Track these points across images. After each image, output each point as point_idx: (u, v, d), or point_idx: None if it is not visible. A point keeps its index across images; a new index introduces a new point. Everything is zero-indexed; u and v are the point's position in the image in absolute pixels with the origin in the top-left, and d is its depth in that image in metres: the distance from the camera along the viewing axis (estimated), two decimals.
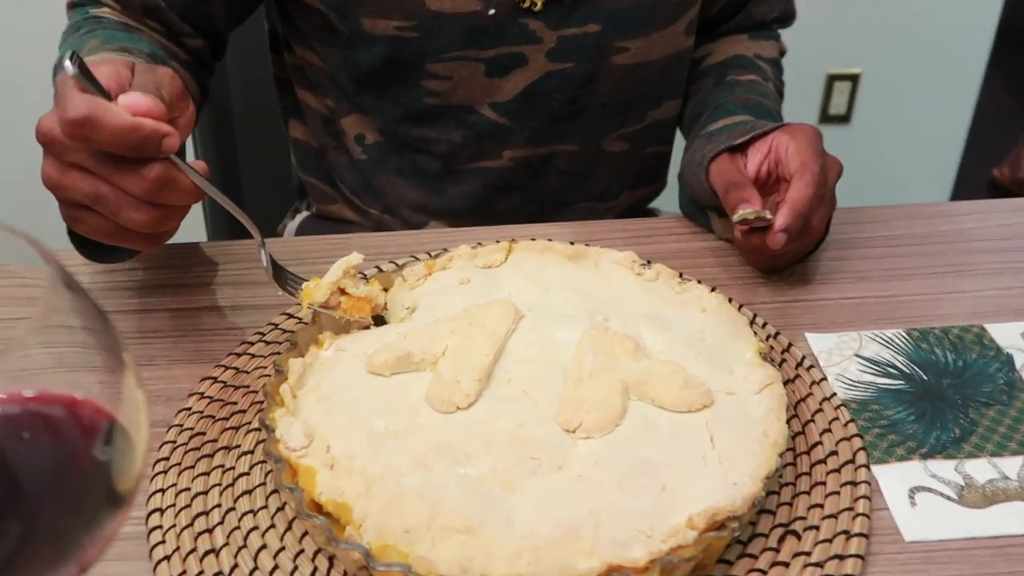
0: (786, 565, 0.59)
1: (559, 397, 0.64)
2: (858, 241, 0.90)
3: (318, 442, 0.61)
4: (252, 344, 0.78)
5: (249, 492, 0.65)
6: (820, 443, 0.68)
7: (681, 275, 0.80)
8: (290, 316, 0.81)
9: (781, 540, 0.61)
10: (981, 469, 0.67)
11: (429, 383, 0.65)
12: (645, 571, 0.54)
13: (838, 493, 0.64)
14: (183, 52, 0.94)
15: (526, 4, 0.91)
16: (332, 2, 0.92)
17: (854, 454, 0.67)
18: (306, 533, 0.61)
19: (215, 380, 0.74)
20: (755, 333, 0.72)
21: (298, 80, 1.07)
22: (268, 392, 0.66)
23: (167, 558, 0.60)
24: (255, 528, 0.62)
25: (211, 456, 0.67)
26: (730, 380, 0.67)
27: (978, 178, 2.65)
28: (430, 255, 0.86)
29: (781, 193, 0.82)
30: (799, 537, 0.61)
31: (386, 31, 0.93)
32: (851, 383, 0.74)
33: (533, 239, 0.87)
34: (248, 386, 0.73)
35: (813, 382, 0.73)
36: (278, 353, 0.76)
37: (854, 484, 0.64)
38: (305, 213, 1.20)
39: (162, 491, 0.65)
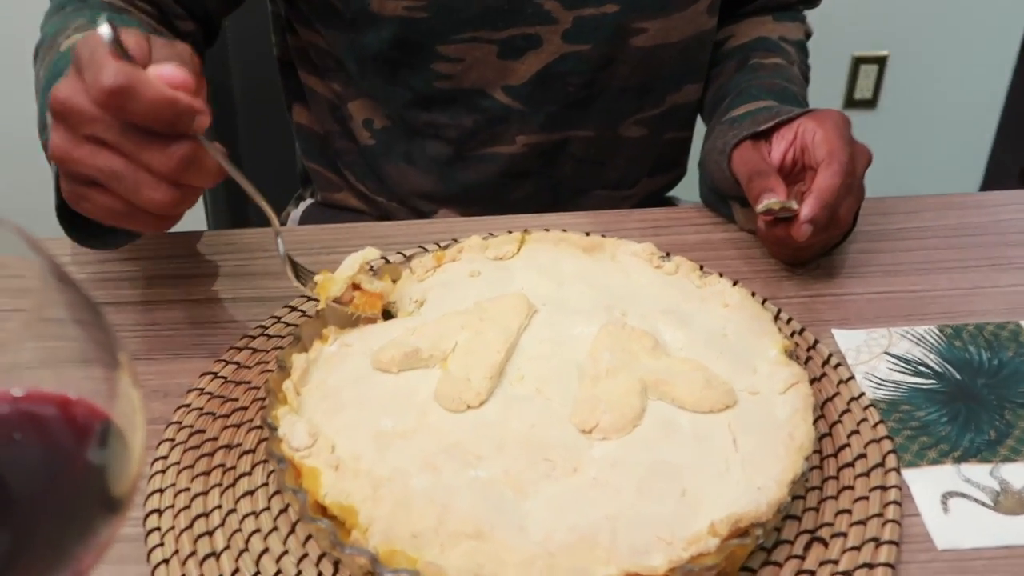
0: (812, 574, 0.58)
1: (574, 396, 0.64)
2: (887, 233, 0.90)
3: (322, 442, 0.61)
4: (254, 338, 0.77)
5: (251, 493, 0.64)
6: (848, 445, 0.67)
7: (702, 268, 0.80)
8: (293, 309, 0.81)
9: (807, 547, 0.60)
10: (1018, 473, 0.66)
11: (438, 381, 0.65)
12: None
13: (867, 498, 0.63)
14: (174, 34, 0.93)
15: None
16: None
17: (884, 457, 0.66)
18: (310, 537, 0.60)
19: (215, 375, 0.73)
20: (779, 330, 0.71)
21: (302, 63, 1.06)
22: (270, 389, 0.65)
23: (166, 561, 0.60)
24: (257, 531, 0.61)
25: (211, 455, 0.67)
26: (754, 379, 0.66)
27: (1010, 166, 2.63)
28: (439, 246, 0.87)
29: (807, 182, 0.82)
30: (826, 544, 0.60)
31: (395, 11, 0.92)
32: (880, 382, 0.73)
33: (547, 229, 0.86)
34: (250, 382, 0.73)
35: (840, 381, 0.72)
36: (281, 347, 0.76)
37: (884, 489, 0.63)
38: (309, 201, 1.20)
39: (160, 491, 0.64)
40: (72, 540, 0.36)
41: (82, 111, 0.58)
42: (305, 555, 0.60)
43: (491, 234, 0.86)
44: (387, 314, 0.74)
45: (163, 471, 0.66)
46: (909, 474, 0.66)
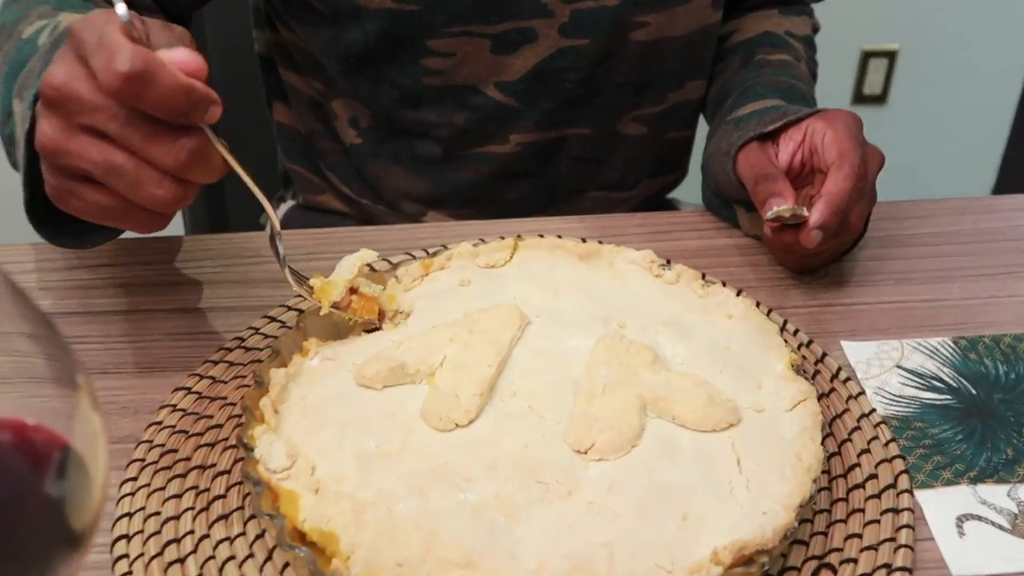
0: None
1: (569, 414, 0.63)
2: (899, 239, 0.89)
3: (302, 463, 0.60)
4: (230, 351, 0.76)
5: (225, 517, 0.63)
6: (858, 465, 0.66)
7: (704, 276, 0.79)
8: (272, 319, 0.80)
9: (815, 574, 0.59)
10: None
11: (425, 397, 0.64)
12: None
13: (878, 522, 0.62)
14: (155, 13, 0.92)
15: None
16: None
17: (895, 478, 0.65)
18: (288, 565, 0.59)
19: (189, 391, 0.72)
20: (786, 342, 0.71)
21: (283, 59, 1.05)
22: (247, 406, 0.64)
23: None
24: (231, 558, 0.60)
25: (184, 476, 0.65)
26: (759, 396, 0.65)
27: None
28: (427, 252, 0.86)
29: (816, 186, 0.81)
30: (835, 572, 0.59)
31: (382, 4, 0.91)
32: (892, 398, 0.72)
33: (541, 235, 0.86)
34: (225, 398, 0.72)
35: (850, 396, 0.71)
36: (259, 361, 0.75)
37: (896, 512, 0.63)
38: (290, 203, 1.19)
39: (129, 515, 0.63)
40: None
41: (81, 99, 0.56)
42: None
43: (482, 240, 0.85)
44: (371, 328, 0.73)
45: (132, 494, 0.64)
46: (922, 495, 0.65)
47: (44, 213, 0.69)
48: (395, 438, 0.62)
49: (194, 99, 0.56)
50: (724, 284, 0.79)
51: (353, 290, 0.71)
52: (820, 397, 0.69)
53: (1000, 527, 0.63)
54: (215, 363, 0.75)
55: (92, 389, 0.39)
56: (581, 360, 0.67)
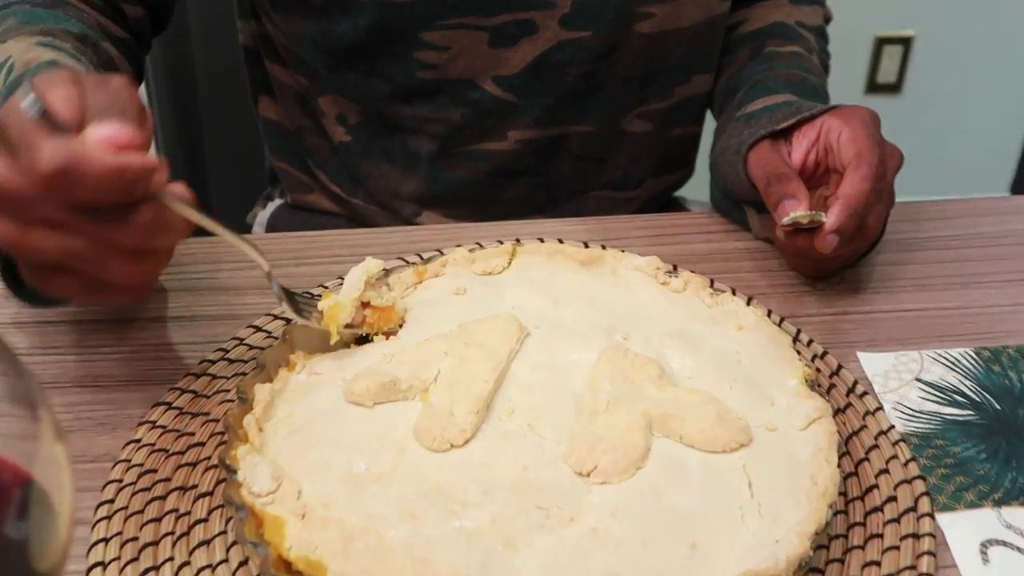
0: None
1: (570, 433, 0.62)
2: (918, 242, 0.88)
3: (288, 486, 0.59)
4: (213, 363, 0.75)
5: (207, 543, 0.61)
6: (876, 487, 0.65)
7: (713, 283, 0.78)
8: (258, 329, 0.78)
9: None
10: None
11: (418, 415, 0.63)
12: None
13: (897, 548, 0.61)
14: (119, 27, 0.91)
15: None
16: None
17: (916, 500, 0.64)
18: None
19: (169, 406, 0.71)
20: (799, 354, 0.69)
21: (268, 52, 1.04)
22: (229, 424, 0.63)
23: None
24: None
25: (163, 498, 0.64)
26: (771, 413, 0.64)
27: None
28: (421, 257, 0.84)
29: (831, 186, 0.80)
30: None
31: None
32: (911, 413, 0.71)
33: (541, 239, 0.85)
34: (208, 413, 0.71)
35: (867, 412, 0.70)
36: (243, 374, 0.74)
37: (916, 537, 0.61)
38: (278, 202, 1.18)
39: (105, 541, 0.62)
40: None
41: (22, 195, 0.55)
42: None
43: (479, 244, 0.84)
44: (362, 338, 0.72)
45: (108, 517, 0.63)
46: (944, 519, 0.64)
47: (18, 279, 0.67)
48: (386, 459, 0.61)
49: (130, 178, 0.55)
50: (734, 292, 0.78)
51: (365, 304, 0.70)
52: (835, 413, 0.68)
53: None
54: (197, 376, 0.74)
55: (54, 418, 0.38)
56: (583, 374, 0.66)
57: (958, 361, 0.76)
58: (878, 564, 0.60)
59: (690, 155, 1.14)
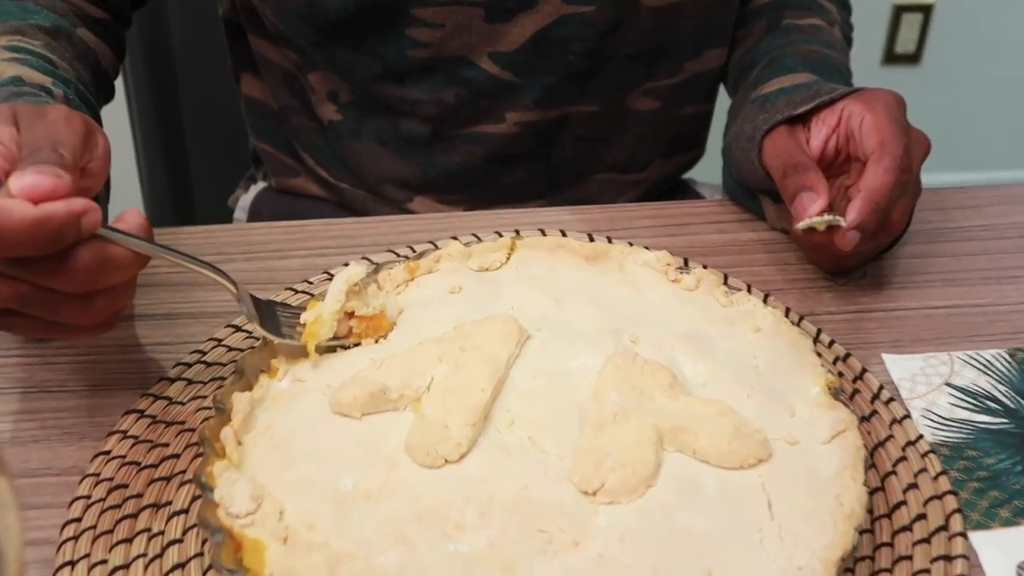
0: None
1: (574, 447, 0.60)
2: (946, 233, 0.86)
3: (268, 506, 0.57)
4: (189, 366, 0.73)
5: (182, 566, 0.60)
6: (904, 503, 0.63)
7: (727, 279, 0.76)
8: (237, 329, 0.76)
9: None
10: None
11: (410, 428, 0.62)
12: None
13: (928, 572, 0.59)
14: (96, 6, 0.89)
15: None
16: None
17: (947, 518, 0.62)
18: None
19: (141, 414, 0.70)
20: (819, 356, 0.68)
21: (252, 26, 1.01)
22: (205, 438, 0.61)
23: None
24: None
25: (135, 516, 0.63)
26: (791, 425, 0.63)
27: None
28: (413, 250, 0.83)
29: (852, 175, 0.78)
30: None
31: None
32: (941, 421, 0.69)
33: (542, 231, 0.83)
34: (183, 422, 0.69)
35: (894, 420, 0.68)
36: (221, 378, 0.72)
37: (948, 559, 0.60)
38: (262, 184, 1.16)
39: (71, 564, 0.60)
40: None
41: None
42: None
43: (476, 237, 0.82)
44: None
45: (75, 538, 0.62)
46: (978, 538, 0.62)
47: None
48: (375, 476, 0.59)
49: (55, 227, 0.56)
50: (749, 288, 0.77)
51: (350, 314, 0.68)
52: (860, 421, 0.66)
53: None
54: (171, 381, 0.72)
55: None
56: (588, 382, 0.64)
57: (991, 364, 0.74)
58: None
59: (701, 135, 1.12)
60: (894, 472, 0.65)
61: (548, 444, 0.61)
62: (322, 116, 1.01)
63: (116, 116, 1.19)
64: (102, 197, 0.69)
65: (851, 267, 0.81)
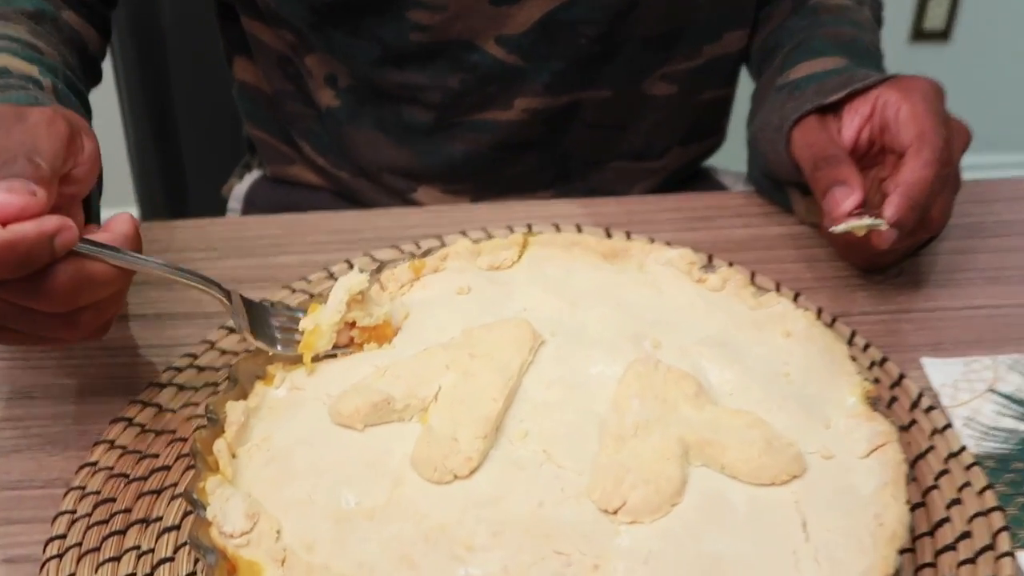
0: None
1: (593, 462, 0.59)
2: (988, 227, 0.85)
3: (265, 524, 0.56)
4: (180, 371, 0.73)
5: None
6: (948, 520, 0.62)
7: (754, 278, 0.74)
8: (232, 331, 0.76)
9: None
10: None
11: (416, 440, 0.60)
12: None
13: None
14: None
15: None
16: None
17: (994, 536, 0.61)
18: None
19: (130, 422, 0.69)
20: (854, 359, 0.66)
21: (244, 7, 1.00)
22: (197, 451, 0.60)
23: None
24: None
25: (123, 533, 0.63)
26: (826, 437, 0.61)
27: None
28: (417, 245, 0.82)
29: (887, 168, 0.77)
30: None
31: None
32: (985, 431, 0.68)
33: (556, 226, 0.82)
34: (174, 431, 0.69)
35: (934, 430, 0.68)
36: (215, 384, 0.72)
37: None
38: (257, 173, 1.16)
39: None
40: None
41: None
42: None
43: (486, 232, 0.81)
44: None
45: (59, 556, 0.61)
46: None
47: None
48: (379, 492, 0.58)
49: (24, 250, 0.56)
50: (778, 288, 0.76)
51: (351, 324, 0.67)
52: (898, 430, 0.64)
53: None
54: (162, 387, 0.72)
55: None
56: (607, 392, 0.63)
57: None
58: None
59: (721, 121, 1.11)
60: (936, 486, 0.64)
61: (565, 458, 0.59)
62: (319, 102, 1.00)
63: (105, 101, 1.17)
64: (94, 195, 0.69)
65: (887, 264, 0.80)
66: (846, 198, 0.72)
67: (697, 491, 0.58)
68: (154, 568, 0.60)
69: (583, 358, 0.65)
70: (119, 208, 0.86)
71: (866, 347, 0.73)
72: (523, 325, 0.66)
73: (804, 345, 0.67)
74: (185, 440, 0.68)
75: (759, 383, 0.64)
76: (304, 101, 1.02)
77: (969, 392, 0.71)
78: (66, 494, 0.64)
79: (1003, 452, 0.67)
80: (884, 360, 0.72)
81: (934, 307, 0.78)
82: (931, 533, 0.62)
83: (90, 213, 0.68)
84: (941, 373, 0.72)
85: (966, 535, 0.61)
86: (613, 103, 0.99)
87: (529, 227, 0.82)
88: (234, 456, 0.61)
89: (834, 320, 0.75)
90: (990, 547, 0.60)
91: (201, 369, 0.73)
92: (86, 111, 0.80)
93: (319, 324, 0.66)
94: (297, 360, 0.67)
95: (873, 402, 0.63)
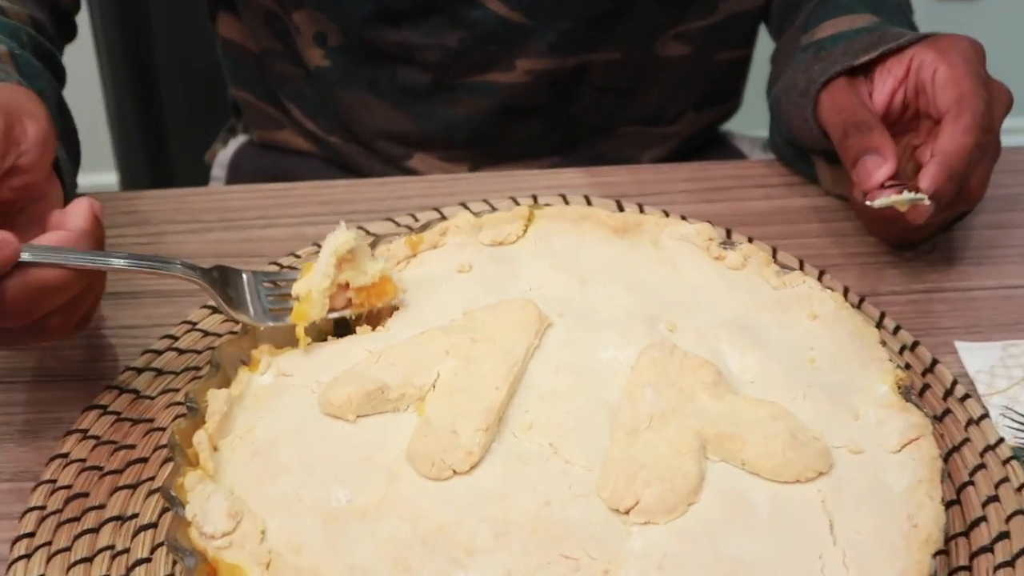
0: None
1: (604, 456, 0.58)
2: None
3: (249, 524, 0.55)
4: (159, 354, 0.72)
5: None
6: (984, 519, 0.62)
7: (776, 254, 0.74)
8: (214, 311, 0.75)
9: None
10: None
11: (413, 433, 0.60)
12: None
13: None
14: None
15: None
16: None
17: None
18: None
19: (104, 410, 0.68)
20: (884, 344, 0.66)
21: None
22: (176, 443, 0.59)
23: None
24: None
25: (96, 531, 0.62)
26: (854, 429, 0.61)
27: None
28: (415, 218, 0.82)
29: (921, 135, 0.77)
30: None
31: None
32: None
33: (563, 197, 0.81)
34: (152, 420, 0.68)
35: (970, 421, 0.68)
36: (196, 369, 0.71)
37: None
38: (242, 138, 1.15)
39: None
40: None
41: None
42: None
43: (488, 204, 0.80)
44: (343, 327, 0.67)
45: (28, 556, 0.61)
46: None
47: None
48: (372, 489, 0.57)
49: None
50: (802, 265, 0.75)
51: (345, 286, 0.66)
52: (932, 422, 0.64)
53: None
54: (138, 371, 0.71)
55: None
56: (619, 379, 0.62)
57: None
58: None
59: (737, 84, 1.11)
60: (971, 482, 0.64)
61: (573, 453, 0.59)
62: (308, 61, 1.00)
63: (82, 60, 1.16)
64: (66, 169, 0.68)
65: (918, 240, 0.80)
66: (878, 168, 0.71)
67: (716, 489, 0.57)
68: (129, 570, 0.60)
69: (593, 342, 0.65)
70: (97, 176, 0.85)
71: (896, 330, 0.73)
72: (528, 306, 0.66)
73: (831, 329, 0.66)
74: (163, 430, 0.67)
75: (783, 370, 0.63)
76: (292, 60, 1.01)
77: (1007, 379, 0.70)
78: (35, 488, 0.64)
79: None
80: (915, 344, 0.72)
81: (969, 286, 0.78)
82: (966, 533, 0.62)
83: (64, 186, 0.66)
84: (977, 358, 0.72)
85: (1004, 536, 0.61)
86: (624, 65, 0.98)
87: (534, 198, 0.81)
88: (215, 449, 0.60)
89: (862, 300, 0.74)
90: None
91: (181, 352, 0.72)
92: (56, 74, 0.78)
93: (309, 291, 0.64)
94: (285, 344, 0.66)
95: (906, 391, 0.62)
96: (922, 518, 0.55)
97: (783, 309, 0.68)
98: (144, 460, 0.65)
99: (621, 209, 0.80)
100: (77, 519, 0.62)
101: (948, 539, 0.60)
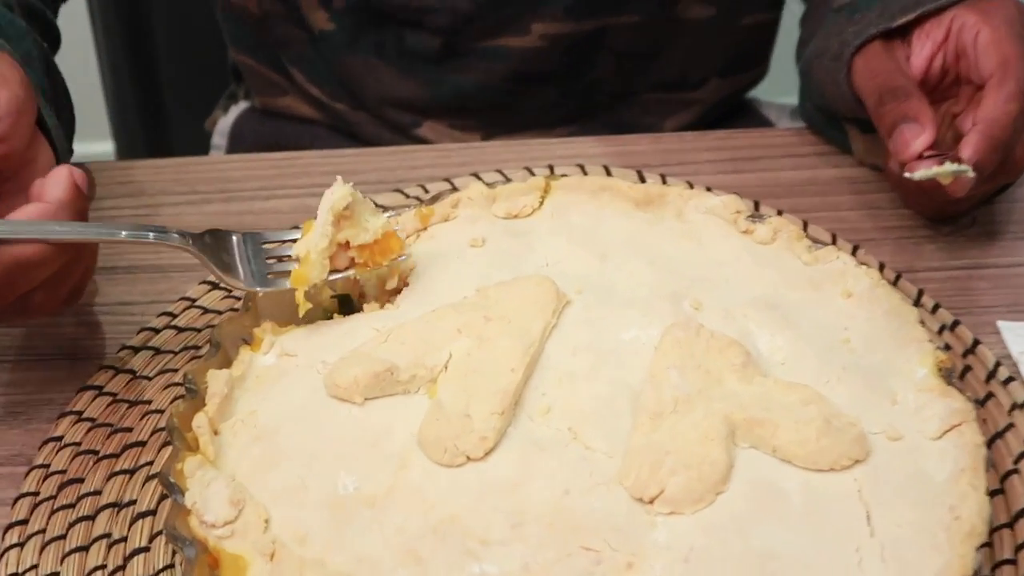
0: None
1: (626, 443, 0.57)
2: None
3: (251, 513, 0.55)
4: (156, 332, 0.73)
5: None
6: None
7: (807, 228, 0.73)
8: (214, 286, 0.75)
9: None
10: None
11: (424, 417, 0.59)
12: None
13: None
14: None
15: None
16: None
17: None
18: None
19: (100, 391, 0.69)
20: (923, 324, 0.64)
21: None
22: (174, 427, 0.59)
23: None
24: None
25: (92, 519, 0.62)
26: (893, 415, 0.59)
27: None
28: (425, 189, 0.81)
29: (961, 102, 0.76)
30: None
31: None
32: None
33: (581, 167, 0.80)
34: (149, 402, 0.69)
35: (1014, 406, 0.67)
36: (195, 348, 0.71)
37: None
38: (244, 104, 1.15)
39: None
40: None
41: None
42: None
43: (501, 174, 0.80)
44: (347, 304, 0.67)
45: (20, 544, 0.61)
46: None
47: None
48: (381, 476, 0.57)
49: None
50: (835, 240, 0.75)
51: (345, 245, 0.65)
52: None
53: None
54: (135, 350, 0.71)
55: None
56: (642, 360, 0.61)
57: None
58: None
59: (764, 49, 1.10)
60: (1016, 471, 0.64)
61: (593, 438, 0.58)
62: (312, 24, 0.99)
63: (76, 22, 1.15)
64: (56, 134, 0.67)
65: (958, 213, 0.79)
66: (916, 137, 0.70)
67: (745, 478, 0.56)
68: (127, 559, 0.61)
69: (614, 321, 0.64)
70: (92, 145, 0.85)
71: (935, 309, 0.72)
72: (545, 283, 0.65)
73: (867, 307, 0.65)
74: (161, 412, 0.67)
75: (815, 351, 0.62)
76: (296, 23, 1.01)
77: None
78: (28, 473, 0.64)
79: None
80: (956, 324, 0.71)
81: (1011, 262, 0.77)
82: (1011, 525, 0.61)
83: (57, 152, 0.66)
84: (1020, 338, 0.71)
85: None
86: (644, 29, 0.98)
87: (551, 168, 0.81)
88: (216, 433, 0.59)
89: (898, 277, 0.74)
90: None
91: (180, 330, 0.72)
92: (48, 35, 0.77)
93: (308, 252, 0.63)
94: (289, 321, 0.65)
95: (947, 374, 0.61)
96: (965, 509, 0.54)
97: (815, 286, 0.67)
98: (141, 444, 0.65)
99: (643, 180, 0.79)
100: (72, 506, 0.63)
101: (992, 531, 0.59)
